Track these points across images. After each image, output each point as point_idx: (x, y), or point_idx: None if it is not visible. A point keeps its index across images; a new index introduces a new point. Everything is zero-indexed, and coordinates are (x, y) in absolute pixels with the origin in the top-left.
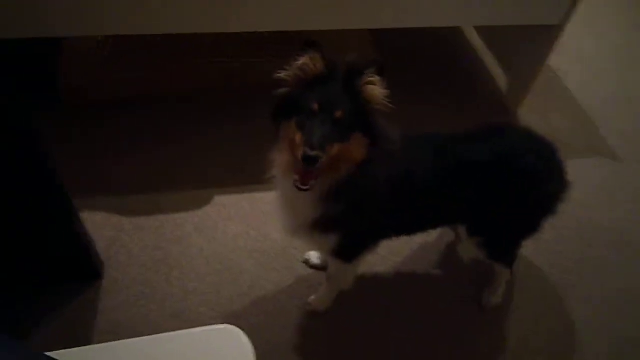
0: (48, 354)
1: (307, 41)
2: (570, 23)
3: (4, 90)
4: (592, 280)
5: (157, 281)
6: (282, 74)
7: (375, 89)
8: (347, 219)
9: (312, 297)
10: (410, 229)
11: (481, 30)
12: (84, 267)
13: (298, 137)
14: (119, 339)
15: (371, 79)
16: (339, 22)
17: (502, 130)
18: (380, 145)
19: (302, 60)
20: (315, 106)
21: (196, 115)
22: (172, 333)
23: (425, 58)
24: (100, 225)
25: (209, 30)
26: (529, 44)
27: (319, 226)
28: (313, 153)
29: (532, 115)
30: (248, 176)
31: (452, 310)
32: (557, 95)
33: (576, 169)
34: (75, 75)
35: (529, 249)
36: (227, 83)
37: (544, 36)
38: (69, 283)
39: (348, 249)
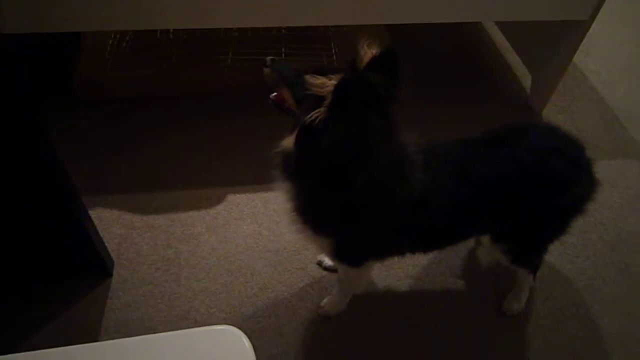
0: (53, 350)
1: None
2: (596, 19)
3: (15, 86)
4: (618, 287)
5: (166, 280)
6: None
7: None
8: (326, 224)
9: (325, 300)
10: (425, 247)
11: (503, 26)
12: (93, 265)
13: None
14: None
15: None
16: (353, 17)
17: (525, 130)
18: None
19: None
20: None
21: (210, 112)
22: (170, 332)
23: (445, 57)
24: (111, 223)
25: (223, 25)
26: (554, 41)
27: (307, 224)
28: None
29: (557, 116)
30: (262, 174)
31: (469, 314)
32: (584, 96)
33: (603, 171)
34: (90, 71)
35: (553, 253)
36: (247, 82)
37: (571, 32)
38: (79, 280)
39: (346, 255)
